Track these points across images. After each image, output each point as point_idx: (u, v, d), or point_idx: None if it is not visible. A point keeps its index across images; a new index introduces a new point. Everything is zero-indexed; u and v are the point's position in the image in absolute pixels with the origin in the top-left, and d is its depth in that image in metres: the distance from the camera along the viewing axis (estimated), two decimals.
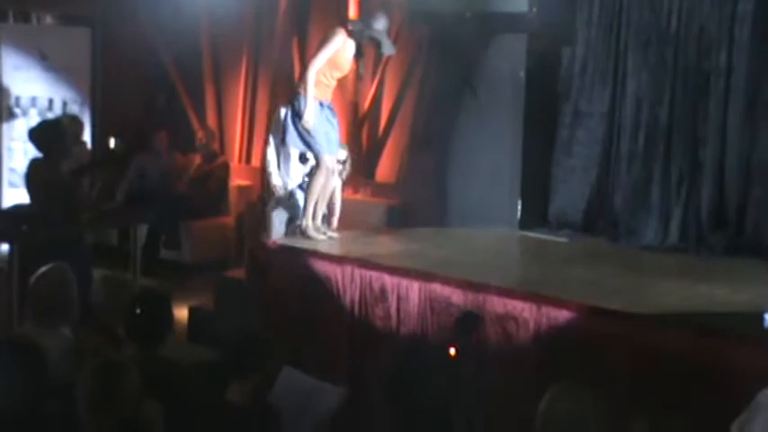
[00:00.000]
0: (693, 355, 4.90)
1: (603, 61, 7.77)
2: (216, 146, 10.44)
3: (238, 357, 4.38)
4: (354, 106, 9.26)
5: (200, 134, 10.36)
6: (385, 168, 9.32)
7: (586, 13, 7.83)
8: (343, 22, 7.33)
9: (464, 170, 8.18)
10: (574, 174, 7.97)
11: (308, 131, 6.85)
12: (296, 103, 6.88)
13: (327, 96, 7.01)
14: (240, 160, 10.46)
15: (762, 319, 3.13)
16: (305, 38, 9.79)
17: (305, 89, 6.84)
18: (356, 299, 6.33)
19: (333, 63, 6.91)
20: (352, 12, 8.97)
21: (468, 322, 4.87)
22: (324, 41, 6.95)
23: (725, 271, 6.56)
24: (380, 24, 6.98)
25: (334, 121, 7.07)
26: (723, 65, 7.10)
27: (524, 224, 7.97)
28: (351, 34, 6.93)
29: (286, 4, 9.82)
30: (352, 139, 9.26)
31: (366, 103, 9.28)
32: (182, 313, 7.58)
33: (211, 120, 10.65)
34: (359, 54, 7.08)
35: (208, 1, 9.91)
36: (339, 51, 6.89)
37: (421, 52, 8.75)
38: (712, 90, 7.17)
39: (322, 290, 6.50)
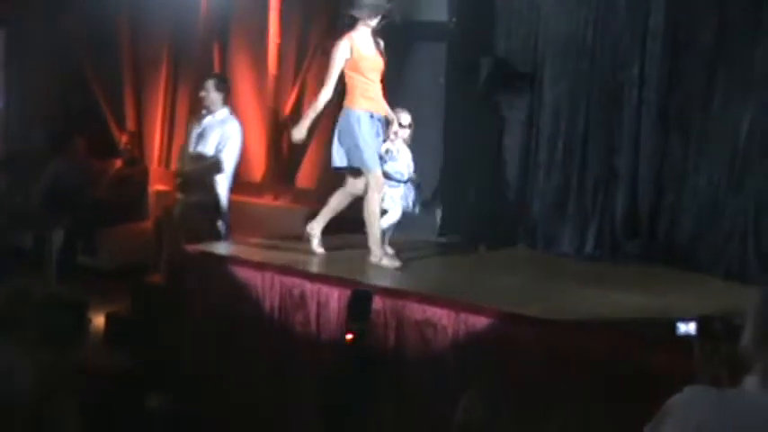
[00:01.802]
0: (609, 361, 4.98)
1: (522, 71, 7.87)
2: (135, 150, 10.33)
3: (155, 364, 4.35)
4: (274, 112, 9.24)
5: (123, 138, 10.25)
6: (306, 174, 9.31)
7: (505, 23, 7.93)
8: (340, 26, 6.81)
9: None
10: (494, 181, 8.05)
11: (356, 146, 6.48)
12: (341, 119, 6.56)
13: (376, 106, 6.57)
14: (159, 164, 10.36)
15: (675, 326, 3.20)
16: (226, 42, 9.75)
17: (349, 102, 6.52)
18: (276, 305, 6.31)
19: (356, 67, 6.51)
20: (273, 30, 8.95)
21: (361, 304, 4.84)
22: (329, 61, 6.59)
23: (639, 278, 6.69)
24: None
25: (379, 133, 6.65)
26: (636, 76, 7.26)
27: (444, 230, 8.03)
28: (352, 27, 6.54)
29: (207, 7, 9.77)
30: (272, 146, 9.25)
31: (287, 109, 9.26)
32: (99, 319, 7.47)
33: (131, 124, 10.53)
34: (378, 40, 6.61)
35: (127, 3, 9.81)
36: (353, 55, 6.50)
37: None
38: (626, 101, 7.33)
39: (242, 296, 6.47)
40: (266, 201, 9.13)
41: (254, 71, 9.52)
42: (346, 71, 6.53)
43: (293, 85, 9.19)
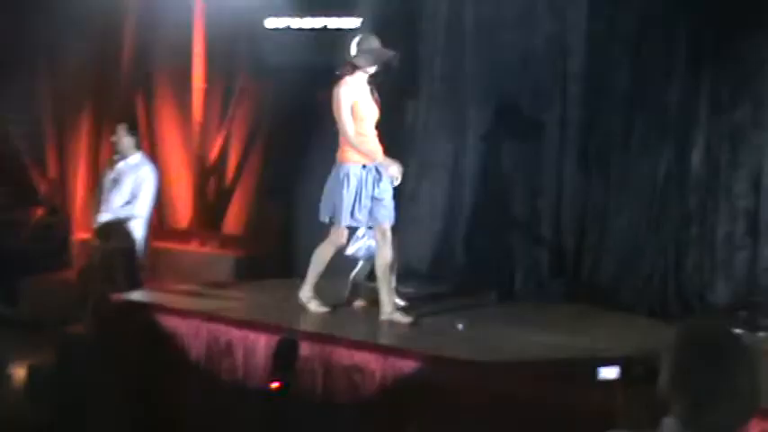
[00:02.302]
0: (534, 403, 5.01)
1: (446, 115, 7.97)
2: (57, 199, 10.18)
3: (79, 417, 4.27)
4: (200, 158, 9.20)
5: (43, 187, 10.09)
6: (232, 220, 9.27)
7: (429, 67, 8.02)
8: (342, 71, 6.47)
9: (312, 220, 8.18)
10: (419, 224, 8.10)
11: (339, 200, 6.28)
12: (333, 173, 6.37)
13: (368, 158, 6.33)
14: (83, 213, 10.22)
15: (597, 370, 3.24)
16: (150, 89, 9.69)
17: (341, 156, 6.33)
18: (202, 353, 6.25)
19: (351, 114, 6.32)
20: (197, 76, 8.93)
21: (287, 352, 4.79)
22: (335, 110, 6.35)
23: (564, 318, 6.77)
24: (374, 42, 6.40)
25: (383, 183, 6.36)
26: (557, 118, 7.40)
27: (372, 275, 8.02)
28: (350, 72, 6.34)
29: (130, 53, 9.72)
30: (198, 192, 9.20)
31: (213, 155, 9.23)
32: (21, 372, 7.30)
33: (52, 171, 10.38)
34: (374, 85, 6.44)
35: (48, 50, 9.72)
36: (351, 101, 6.31)
37: (268, 104, 8.78)
38: (548, 142, 7.45)
39: (167, 345, 6.39)
40: (193, 247, 9.06)
41: (180, 117, 9.47)
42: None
43: (219, 131, 9.17)
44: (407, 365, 5.41)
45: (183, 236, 9.21)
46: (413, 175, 8.13)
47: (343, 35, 7.74)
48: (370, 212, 6.35)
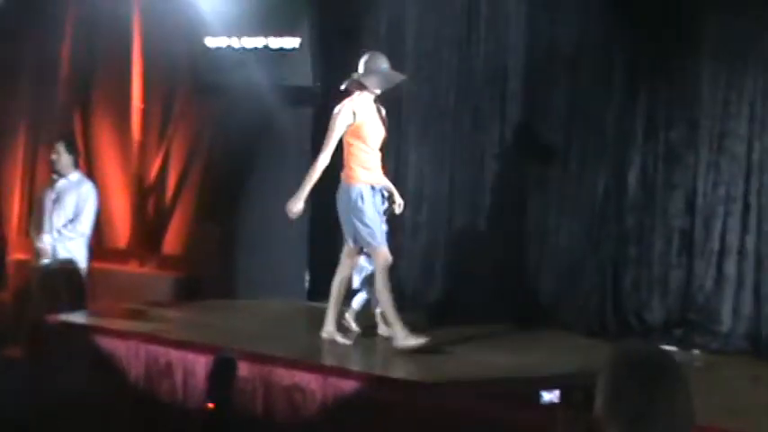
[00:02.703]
0: (475, 422, 5.02)
1: (387, 134, 7.97)
2: None
3: None
4: (139, 178, 9.12)
5: None
6: (172, 240, 9.19)
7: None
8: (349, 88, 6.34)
9: (252, 241, 8.19)
10: None
11: (364, 224, 6.10)
12: (341, 194, 6.21)
13: (376, 177, 6.24)
14: (19, 233, 10.07)
15: (538, 395, 3.26)
16: (88, 108, 9.60)
17: (348, 176, 6.18)
18: (141, 375, 6.17)
19: (357, 134, 6.17)
20: (136, 95, 8.86)
21: (224, 370, 4.70)
22: (329, 126, 6.23)
23: (505, 337, 6.79)
24: (384, 63, 6.27)
25: (384, 204, 6.34)
26: (497, 138, 7.46)
27: (312, 295, 8.02)
28: (356, 90, 6.22)
29: (67, 72, 9.62)
30: (137, 212, 9.11)
31: (152, 175, 9.15)
32: None
33: None
34: (379, 107, 6.29)
35: None
36: (355, 121, 6.15)
37: (208, 124, 8.74)
38: (488, 162, 7.51)
39: (106, 367, 6.30)
40: (131, 267, 8.97)
41: (118, 137, 9.39)
42: (346, 138, 6.18)
43: (158, 150, 9.10)
44: (348, 385, 5.40)
45: (122, 256, 9.12)
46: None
47: (284, 54, 7.77)
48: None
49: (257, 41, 7.83)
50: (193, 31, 8.07)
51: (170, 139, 9.04)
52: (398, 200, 6.41)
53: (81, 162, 7.98)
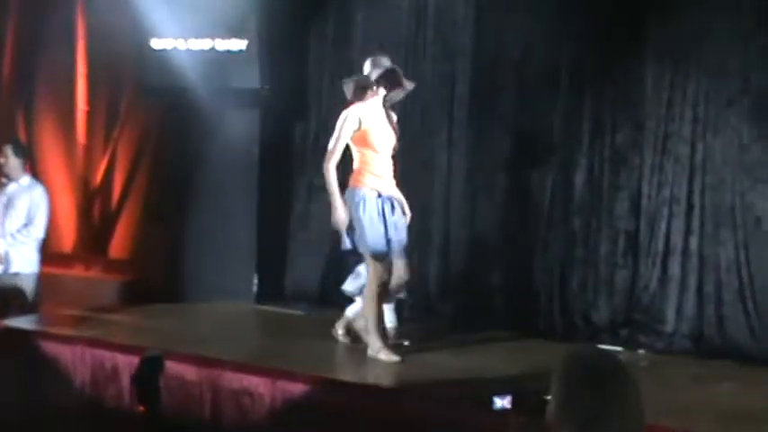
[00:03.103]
0: (424, 425, 5.04)
1: None
2: None
3: None
4: (84, 181, 9.03)
5: None
6: (118, 243, 9.11)
7: (317, 88, 8.05)
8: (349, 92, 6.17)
9: (200, 244, 8.14)
10: (309, 246, 8.10)
11: (360, 228, 5.86)
12: (346, 199, 5.94)
13: (384, 185, 5.99)
14: None
15: (490, 397, 3.28)
16: (31, 109, 9.48)
17: (354, 179, 5.97)
18: (87, 380, 6.11)
19: (364, 140, 5.95)
20: (81, 98, 8.74)
21: (151, 370, 4.62)
22: (335, 132, 6.02)
23: (453, 339, 6.81)
24: (386, 61, 6.08)
25: (396, 215, 6.01)
26: (445, 142, 7.49)
27: (261, 298, 8.00)
28: (360, 96, 6.04)
29: (9, 72, 9.48)
30: (83, 215, 9.02)
31: (97, 178, 9.06)
32: None
33: None
34: (389, 112, 6.07)
35: None
36: (361, 126, 5.96)
37: (154, 127, 8.68)
38: (437, 165, 7.54)
39: (51, 372, 6.23)
40: (77, 271, 8.87)
41: (63, 139, 9.28)
42: (353, 144, 5.98)
43: (104, 153, 9.01)
44: (297, 389, 5.39)
45: (67, 260, 9.01)
46: (303, 197, 8.14)
47: (231, 56, 7.73)
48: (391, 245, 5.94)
49: (204, 43, 7.78)
50: (139, 33, 8.00)
51: (116, 141, 8.96)
52: (407, 211, 6.15)
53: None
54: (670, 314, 6.73)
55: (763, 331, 6.45)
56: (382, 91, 6.04)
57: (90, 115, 8.99)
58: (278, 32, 7.80)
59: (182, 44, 7.86)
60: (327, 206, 7.95)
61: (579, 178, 7.03)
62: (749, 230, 6.52)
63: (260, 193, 8.09)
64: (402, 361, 5.87)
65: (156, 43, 7.94)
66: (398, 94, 6.13)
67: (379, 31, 7.76)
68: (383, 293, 5.96)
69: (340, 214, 5.92)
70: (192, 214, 8.24)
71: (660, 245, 6.79)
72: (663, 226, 6.80)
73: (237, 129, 8.07)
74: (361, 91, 6.06)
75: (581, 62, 7.05)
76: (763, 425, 4.96)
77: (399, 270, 6.01)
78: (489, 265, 7.39)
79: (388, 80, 6.01)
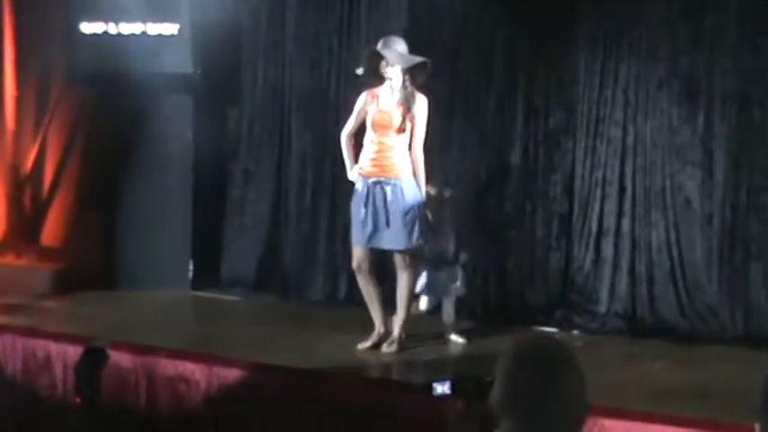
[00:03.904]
0: (363, 411, 5.05)
1: (270, 122, 7.96)
2: None
3: None
4: (14, 168, 8.86)
5: None
6: (50, 231, 8.95)
7: (251, 74, 8.00)
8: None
9: (134, 231, 8.06)
10: (245, 232, 8.07)
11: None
12: None
13: (374, 169, 5.90)
14: None
15: (429, 383, 3.29)
16: None
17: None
18: (19, 369, 6.02)
19: (367, 122, 5.97)
20: (9, 83, 8.56)
21: (93, 361, 4.59)
22: None
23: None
24: (400, 45, 6.00)
25: (391, 204, 5.87)
26: None
27: (197, 284, 7.94)
28: (372, 78, 5.99)
29: None
30: (13, 203, 8.86)
31: (28, 165, 8.90)
32: None
33: None
34: (407, 96, 5.90)
35: None
36: (366, 106, 5.97)
37: (86, 112, 8.54)
38: None
39: None
40: (8, 260, 8.70)
41: None
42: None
43: (34, 140, 8.84)
44: (233, 374, 5.38)
45: None
46: (238, 182, 8.09)
47: (163, 40, 7.65)
48: (373, 234, 5.93)
49: (135, 27, 7.68)
50: (68, 17, 7.87)
51: (46, 127, 8.79)
52: (421, 193, 5.99)
53: None
54: (603, 295, 6.83)
55: (693, 310, 6.58)
56: (396, 75, 5.92)
57: (19, 101, 8.81)
58: (211, 16, 7.71)
59: (113, 28, 7.75)
60: (262, 191, 7.99)
61: (513, 161, 7.09)
62: (679, 211, 6.65)
63: (195, 179, 8.02)
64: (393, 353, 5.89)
65: (86, 27, 7.81)
66: (415, 77, 5.97)
67: (311, 15, 7.72)
68: (360, 279, 6.04)
69: (353, 175, 6.02)
70: (126, 201, 8.15)
71: (593, 226, 6.89)
72: (596, 208, 6.89)
73: (171, 114, 7.99)
74: (373, 76, 6.01)
75: (514, 46, 7.10)
76: (693, 401, 5.06)
77: (397, 264, 6.00)
78: (424, 247, 7.40)
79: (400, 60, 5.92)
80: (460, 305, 6.38)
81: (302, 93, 7.80)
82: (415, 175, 5.96)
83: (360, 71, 6.13)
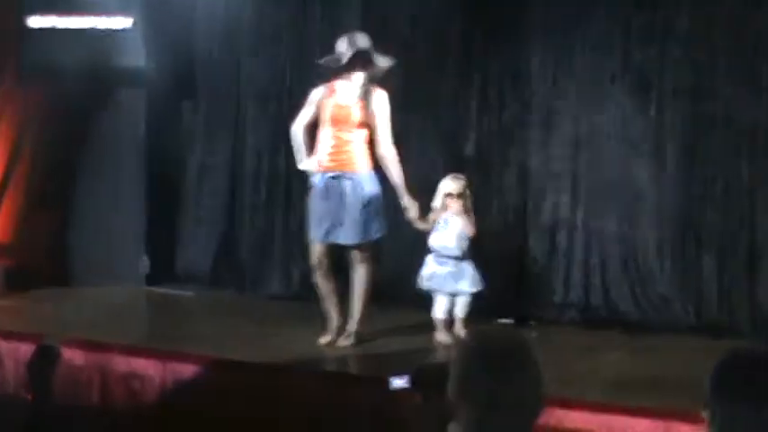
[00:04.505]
0: (318, 404, 5.05)
1: (225, 115, 7.91)
2: None
3: None
4: None
5: None
6: (1, 228, 8.84)
7: (205, 66, 7.94)
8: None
9: (87, 227, 7.98)
10: (200, 227, 8.03)
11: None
12: None
13: (332, 164, 5.87)
14: None
15: (387, 378, 3.30)
16: None
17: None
18: None
19: (321, 116, 5.90)
20: None
21: (46, 360, 4.52)
22: None
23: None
24: (364, 41, 5.91)
25: (349, 198, 5.83)
26: None
27: (151, 279, 7.88)
28: (330, 75, 5.97)
29: None
30: None
31: None
32: None
33: None
34: (369, 89, 5.88)
35: None
36: (322, 104, 5.92)
37: (36, 108, 8.43)
38: None
39: None
40: None
41: None
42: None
43: None
44: (187, 370, 5.34)
45: None
46: (193, 177, 8.04)
47: (115, 34, 7.57)
48: (331, 229, 5.89)
49: (86, 21, 7.59)
50: (16, 11, 7.75)
51: None
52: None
53: None
54: (558, 286, 6.88)
55: (647, 300, 6.64)
56: (356, 74, 5.87)
57: None
58: (164, 9, 7.65)
59: (63, 22, 7.65)
60: (217, 185, 7.94)
61: (468, 153, 7.11)
62: (632, 202, 6.71)
63: (149, 174, 7.95)
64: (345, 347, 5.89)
65: (35, 21, 7.71)
66: (376, 74, 5.95)
67: (266, 8, 7.68)
68: (319, 275, 6.01)
69: (304, 164, 5.99)
70: (79, 196, 8.06)
71: (548, 218, 6.93)
72: (550, 200, 6.93)
73: (124, 109, 7.91)
74: (333, 72, 5.96)
75: (469, 38, 7.11)
76: (646, 391, 5.10)
77: (354, 259, 5.96)
78: (380, 239, 7.40)
79: (357, 62, 5.85)
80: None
81: (257, 86, 7.76)
82: (388, 171, 5.93)
83: (323, 61, 6.06)
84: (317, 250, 5.98)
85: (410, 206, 5.95)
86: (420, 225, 6.09)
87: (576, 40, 6.83)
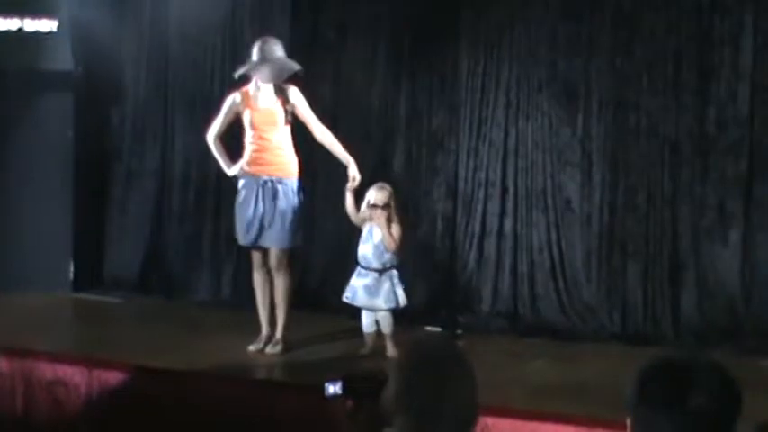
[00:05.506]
0: (248, 414, 5.03)
1: (153, 120, 7.85)
2: None
3: None
4: None
5: None
6: None
7: (134, 72, 7.87)
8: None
9: (13, 232, 7.84)
10: (128, 232, 7.95)
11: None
12: None
13: (257, 168, 5.90)
14: None
15: (322, 387, 3.30)
16: None
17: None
18: None
19: (244, 122, 5.92)
20: None
21: None
22: None
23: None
24: (278, 49, 5.95)
25: (279, 202, 5.87)
26: None
27: (78, 286, 7.77)
28: (244, 81, 5.98)
29: None
30: None
31: None
32: None
33: None
34: (285, 89, 5.92)
35: None
36: (240, 111, 5.93)
37: None
38: None
39: None
40: None
41: None
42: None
43: None
44: (113, 377, 5.29)
45: None
46: (120, 182, 7.96)
47: (40, 37, 7.47)
48: (260, 233, 5.91)
49: (11, 23, 7.48)
50: None
51: None
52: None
53: None
54: (486, 294, 6.94)
55: (573, 309, 6.74)
56: (267, 82, 5.93)
57: None
58: (91, 12, 7.56)
59: None
60: (144, 190, 7.86)
61: (397, 161, 7.15)
62: (559, 212, 6.81)
63: (75, 179, 7.85)
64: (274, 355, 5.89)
65: None
66: (266, 75, 5.93)
67: (194, 13, 7.62)
68: (258, 278, 6.05)
69: (231, 171, 6.05)
70: (4, 202, 7.91)
71: (476, 227, 7.00)
72: (479, 208, 7.01)
73: (50, 113, 7.79)
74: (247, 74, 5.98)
75: (397, 46, 7.16)
76: (573, 398, 5.18)
77: (276, 264, 5.95)
78: (308, 248, 7.40)
79: (275, 74, 5.92)
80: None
81: (185, 91, 7.72)
82: (331, 148, 6.07)
83: (237, 74, 6.05)
84: (257, 255, 6.04)
85: (354, 171, 6.05)
86: (350, 198, 6.10)
87: (504, 49, 6.91)
